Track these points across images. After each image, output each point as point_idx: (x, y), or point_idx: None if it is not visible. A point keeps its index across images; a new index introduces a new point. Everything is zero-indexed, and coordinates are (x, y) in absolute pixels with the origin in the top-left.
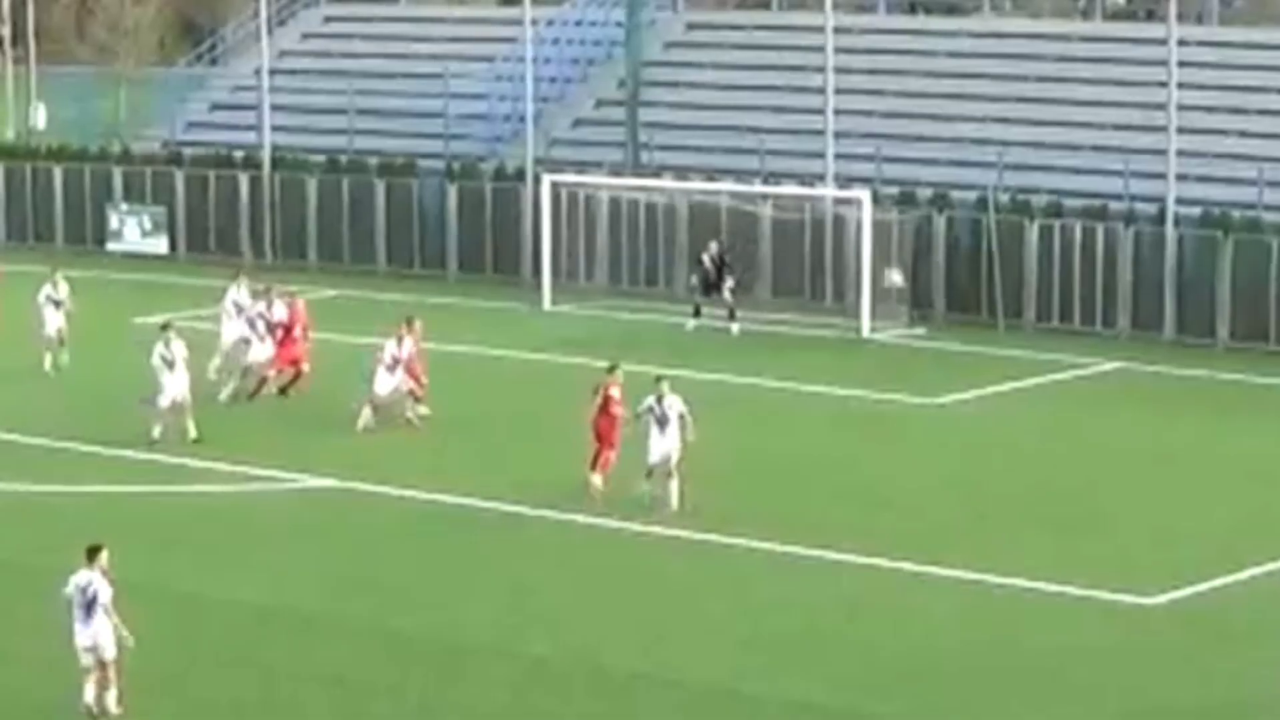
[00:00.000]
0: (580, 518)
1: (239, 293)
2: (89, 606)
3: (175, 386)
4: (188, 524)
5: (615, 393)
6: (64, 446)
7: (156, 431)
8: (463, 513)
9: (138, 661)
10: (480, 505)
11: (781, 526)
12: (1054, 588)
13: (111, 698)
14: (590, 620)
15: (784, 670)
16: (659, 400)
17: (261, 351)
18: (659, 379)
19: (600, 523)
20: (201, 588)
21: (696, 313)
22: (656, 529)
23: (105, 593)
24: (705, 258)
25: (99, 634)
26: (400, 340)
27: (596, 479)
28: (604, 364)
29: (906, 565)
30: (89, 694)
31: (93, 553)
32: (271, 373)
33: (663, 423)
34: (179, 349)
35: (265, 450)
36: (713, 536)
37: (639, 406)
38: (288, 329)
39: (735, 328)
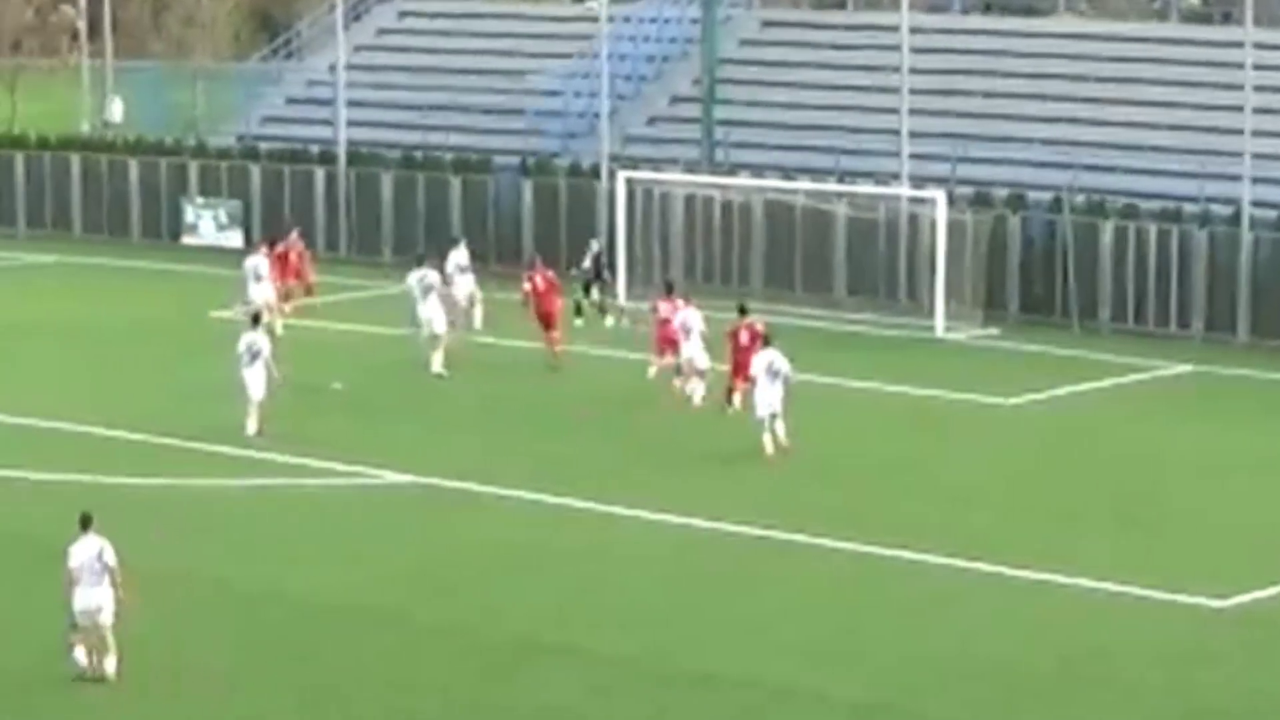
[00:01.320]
0: (650, 514)
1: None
2: (102, 571)
3: (257, 378)
4: (266, 518)
5: (761, 327)
6: (143, 439)
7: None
8: (535, 510)
9: (201, 655)
10: (553, 502)
11: (858, 525)
12: (1120, 588)
13: (111, 663)
14: (658, 619)
15: (855, 670)
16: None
17: (441, 322)
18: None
19: (669, 519)
20: (273, 581)
21: (578, 310)
22: (729, 526)
23: (114, 557)
24: (588, 256)
25: (105, 598)
26: (676, 308)
27: (735, 401)
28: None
29: (980, 565)
30: (82, 656)
31: (87, 521)
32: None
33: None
34: (265, 344)
35: (347, 445)
36: (788, 535)
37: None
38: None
39: (609, 321)
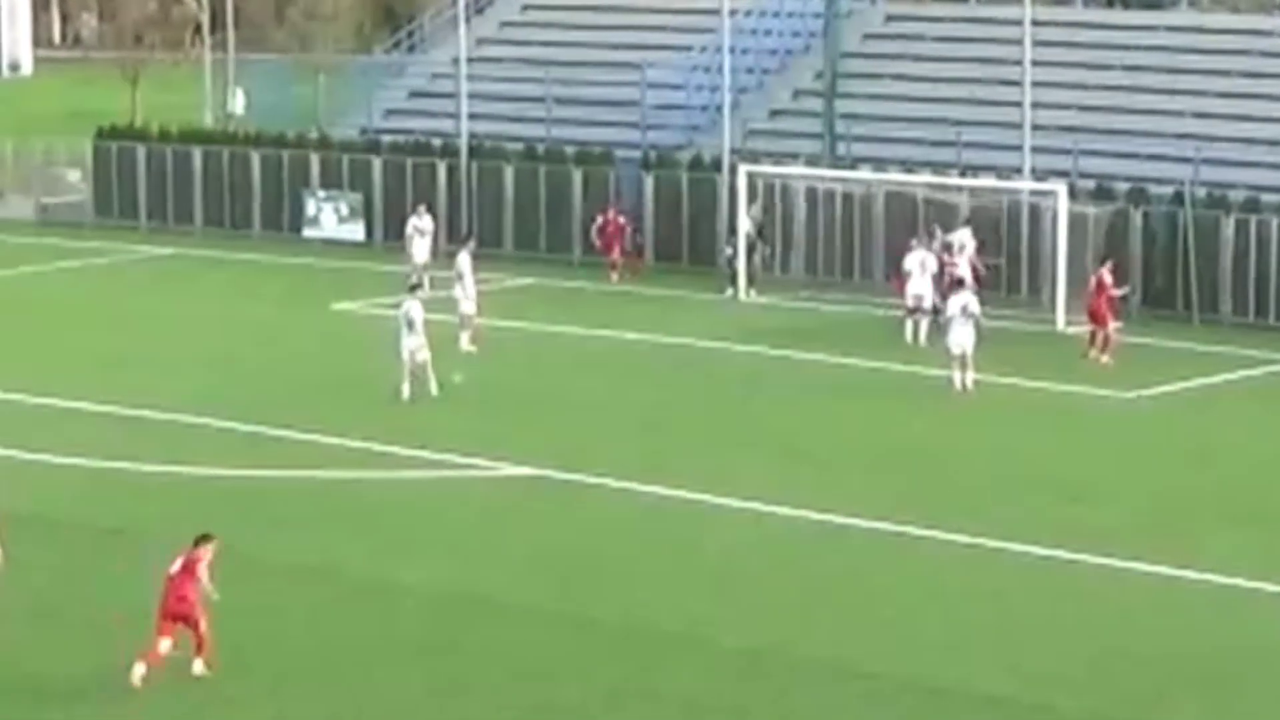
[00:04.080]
0: (779, 509)
1: None
2: None
3: (413, 345)
4: (388, 510)
5: (1108, 278)
6: (259, 431)
7: (405, 390)
8: (657, 501)
9: (331, 649)
10: (674, 495)
11: (978, 519)
12: (1249, 583)
13: None
14: (784, 612)
15: (977, 664)
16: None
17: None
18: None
19: (800, 514)
20: (397, 573)
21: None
22: (856, 521)
23: None
24: (748, 227)
25: None
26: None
27: (1106, 358)
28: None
29: (1112, 561)
30: None
31: None
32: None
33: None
34: (418, 311)
35: (467, 437)
36: (909, 529)
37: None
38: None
39: (729, 293)
